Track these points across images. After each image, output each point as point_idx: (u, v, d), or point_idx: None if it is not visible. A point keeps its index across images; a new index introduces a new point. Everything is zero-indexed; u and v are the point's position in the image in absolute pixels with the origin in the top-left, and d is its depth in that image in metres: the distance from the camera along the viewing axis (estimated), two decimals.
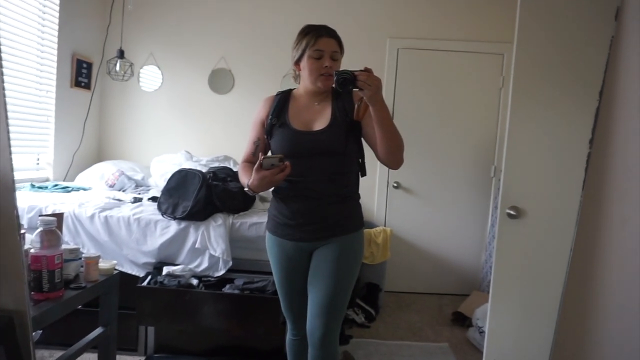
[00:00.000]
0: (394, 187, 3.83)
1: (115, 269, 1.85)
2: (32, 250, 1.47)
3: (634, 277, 1.36)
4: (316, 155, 1.64)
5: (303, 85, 1.73)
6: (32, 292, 1.46)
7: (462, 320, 3.20)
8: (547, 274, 1.80)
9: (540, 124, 1.74)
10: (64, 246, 1.60)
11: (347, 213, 1.70)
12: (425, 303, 3.65)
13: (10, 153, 1.04)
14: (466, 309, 3.22)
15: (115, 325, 1.86)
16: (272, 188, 1.72)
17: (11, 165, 1.06)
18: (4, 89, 1.06)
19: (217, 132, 3.83)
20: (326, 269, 1.66)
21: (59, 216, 1.64)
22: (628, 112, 1.40)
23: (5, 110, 1.03)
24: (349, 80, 1.45)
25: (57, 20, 3.21)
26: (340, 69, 1.50)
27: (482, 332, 2.73)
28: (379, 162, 1.64)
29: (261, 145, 1.76)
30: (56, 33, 3.22)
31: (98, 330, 1.79)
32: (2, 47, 2.25)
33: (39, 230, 1.48)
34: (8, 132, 1.03)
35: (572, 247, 1.58)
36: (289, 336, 1.88)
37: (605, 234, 1.48)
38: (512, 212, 1.84)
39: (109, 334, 1.81)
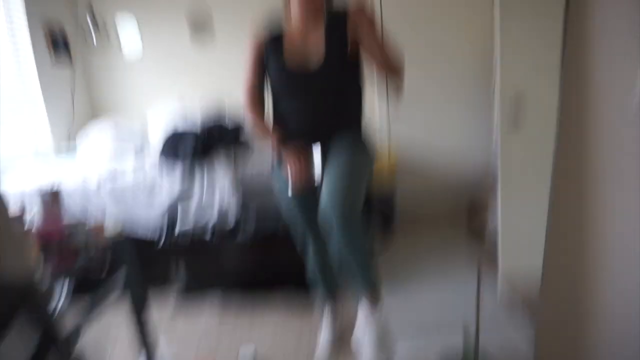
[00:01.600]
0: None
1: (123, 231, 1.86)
2: (37, 224, 1.51)
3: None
4: (313, 94, 1.72)
5: (293, 13, 1.73)
6: (45, 263, 1.51)
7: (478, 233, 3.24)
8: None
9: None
10: (69, 219, 1.63)
11: (350, 113, 1.81)
12: (439, 220, 3.68)
13: None
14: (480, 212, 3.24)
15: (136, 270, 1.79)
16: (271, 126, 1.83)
17: None
18: None
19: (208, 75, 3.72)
20: (336, 159, 1.72)
21: (56, 194, 1.66)
22: None
23: None
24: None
25: None
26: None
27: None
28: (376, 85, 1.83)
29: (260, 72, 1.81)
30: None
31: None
32: None
33: (40, 204, 1.52)
34: None
35: (557, 136, 1.50)
36: (313, 259, 1.96)
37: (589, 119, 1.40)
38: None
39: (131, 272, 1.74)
